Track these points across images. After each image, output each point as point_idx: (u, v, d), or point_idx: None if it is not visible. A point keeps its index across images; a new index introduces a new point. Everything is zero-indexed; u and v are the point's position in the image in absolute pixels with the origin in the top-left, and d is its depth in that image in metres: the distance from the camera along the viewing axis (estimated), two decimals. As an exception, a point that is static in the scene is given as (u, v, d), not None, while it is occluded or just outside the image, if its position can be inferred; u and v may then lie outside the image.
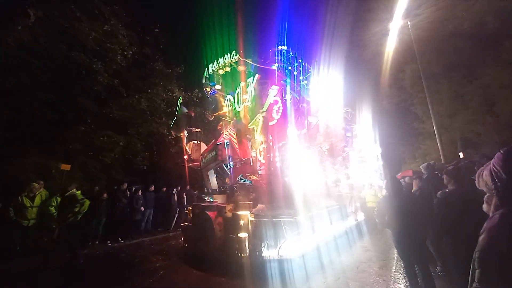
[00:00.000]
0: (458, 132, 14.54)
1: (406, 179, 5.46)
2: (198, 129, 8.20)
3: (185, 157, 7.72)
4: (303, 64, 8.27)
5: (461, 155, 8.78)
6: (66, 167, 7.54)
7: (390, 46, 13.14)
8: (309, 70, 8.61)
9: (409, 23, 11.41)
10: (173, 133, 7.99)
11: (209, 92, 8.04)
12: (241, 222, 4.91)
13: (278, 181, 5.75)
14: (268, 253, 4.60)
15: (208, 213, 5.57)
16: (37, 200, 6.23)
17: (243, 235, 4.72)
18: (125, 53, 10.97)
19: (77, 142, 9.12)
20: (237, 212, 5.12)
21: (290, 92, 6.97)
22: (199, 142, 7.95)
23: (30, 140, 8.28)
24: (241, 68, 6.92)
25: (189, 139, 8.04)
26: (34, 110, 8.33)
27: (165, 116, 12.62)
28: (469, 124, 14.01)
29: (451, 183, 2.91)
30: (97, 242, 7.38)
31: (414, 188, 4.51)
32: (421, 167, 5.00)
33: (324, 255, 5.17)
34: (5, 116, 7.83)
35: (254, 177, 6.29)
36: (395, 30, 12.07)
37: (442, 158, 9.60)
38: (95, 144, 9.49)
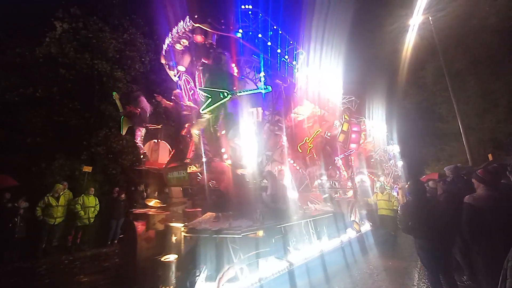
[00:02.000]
0: (487, 132, 13.57)
1: (430, 183, 5.11)
2: (158, 125, 6.69)
3: (143, 158, 6.23)
4: (280, 32, 6.25)
5: (490, 157, 8.13)
6: (87, 168, 7.91)
7: (410, 42, 12.57)
8: (291, 42, 6.62)
9: (430, 18, 10.89)
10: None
11: (176, 77, 6.25)
12: (173, 239, 3.64)
13: (227, 178, 4.08)
14: (205, 285, 3.15)
15: (137, 224, 4.20)
16: (62, 200, 6.63)
17: (170, 257, 3.43)
18: (143, 59, 11.42)
19: (99, 146, 9.59)
20: (170, 224, 3.83)
21: (263, 70, 5.35)
22: (159, 140, 6.61)
23: (58, 144, 8.84)
24: (198, 38, 5.10)
25: (148, 138, 6.54)
26: (61, 116, 8.91)
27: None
28: (499, 124, 13.03)
29: (480, 188, 2.69)
30: (115, 242, 7.66)
31: (439, 192, 4.23)
32: (445, 169, 4.71)
33: (302, 280, 4.02)
34: (37, 123, 8.46)
35: (193, 168, 4.44)
36: (415, 26, 11.57)
37: (469, 160, 8.96)
38: (115, 148, 9.90)
